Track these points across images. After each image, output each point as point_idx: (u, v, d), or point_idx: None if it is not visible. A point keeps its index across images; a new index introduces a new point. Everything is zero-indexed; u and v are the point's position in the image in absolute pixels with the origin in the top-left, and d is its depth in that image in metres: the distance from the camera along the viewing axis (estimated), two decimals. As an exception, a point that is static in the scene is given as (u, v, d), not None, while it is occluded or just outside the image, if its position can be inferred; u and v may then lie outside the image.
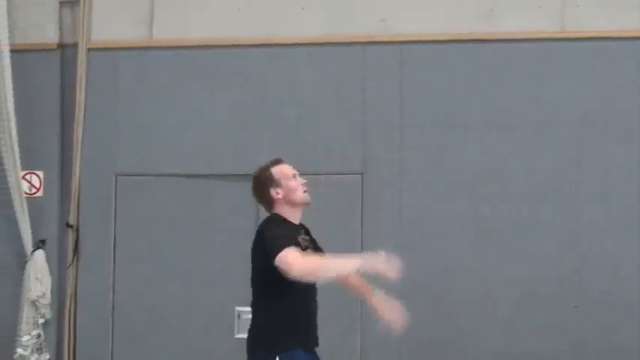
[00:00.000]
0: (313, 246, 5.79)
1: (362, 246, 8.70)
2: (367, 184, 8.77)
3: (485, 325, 8.54)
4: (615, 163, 8.52)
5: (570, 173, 8.56)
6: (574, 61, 8.62)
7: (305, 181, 5.74)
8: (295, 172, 5.74)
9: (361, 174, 8.78)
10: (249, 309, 8.71)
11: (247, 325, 8.75)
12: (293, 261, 5.23)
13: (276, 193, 5.65)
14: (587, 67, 8.60)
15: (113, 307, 9.02)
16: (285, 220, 5.65)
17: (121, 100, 9.13)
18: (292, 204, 5.68)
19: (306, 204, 5.73)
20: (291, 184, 5.67)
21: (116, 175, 9.11)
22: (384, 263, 5.30)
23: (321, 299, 8.81)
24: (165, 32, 9.11)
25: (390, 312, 5.85)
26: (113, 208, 9.06)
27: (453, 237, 8.64)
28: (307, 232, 5.83)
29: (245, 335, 8.57)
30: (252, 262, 5.63)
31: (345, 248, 8.64)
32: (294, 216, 5.70)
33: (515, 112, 8.66)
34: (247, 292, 8.84)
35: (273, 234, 5.44)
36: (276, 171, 5.68)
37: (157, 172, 9.05)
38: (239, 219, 8.87)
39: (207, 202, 8.98)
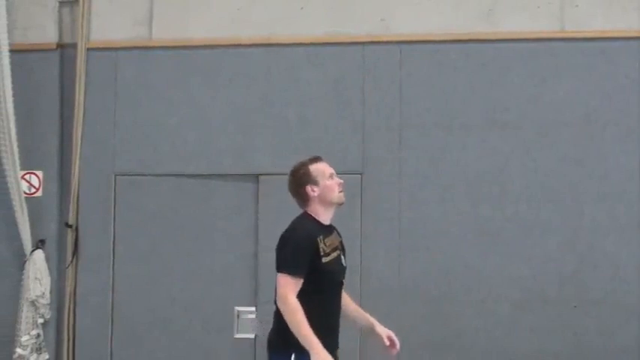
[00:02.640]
0: (342, 250, 5.86)
1: (361, 246, 8.70)
2: (367, 184, 8.76)
3: (485, 325, 8.54)
4: (615, 163, 8.52)
5: (570, 173, 8.56)
6: (574, 61, 8.62)
7: (341, 181, 5.82)
8: (332, 171, 5.82)
9: (361, 174, 8.77)
10: (248, 309, 8.77)
11: (247, 325, 8.80)
12: (285, 296, 5.47)
13: (312, 190, 5.73)
14: (587, 67, 8.59)
15: (112, 307, 9.01)
16: (314, 221, 5.73)
17: (120, 99, 9.13)
18: (327, 203, 5.77)
19: (340, 204, 5.82)
20: (328, 183, 5.75)
21: (115, 175, 9.10)
22: None
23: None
24: (165, 32, 9.10)
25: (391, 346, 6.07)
26: (112, 207, 9.05)
27: (452, 237, 8.63)
28: (338, 234, 5.89)
29: (244, 335, 8.61)
30: (276, 260, 5.71)
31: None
32: (325, 215, 5.79)
33: (515, 112, 8.66)
34: (246, 292, 8.89)
35: (289, 252, 5.57)
36: (315, 169, 5.76)
37: (157, 172, 9.04)
38: (239, 219, 8.87)
39: (207, 202, 8.97)
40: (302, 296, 5.54)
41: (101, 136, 9.13)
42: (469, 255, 8.61)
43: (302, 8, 8.97)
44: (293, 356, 5.53)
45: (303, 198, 5.75)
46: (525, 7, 8.70)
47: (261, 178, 8.79)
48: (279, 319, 5.63)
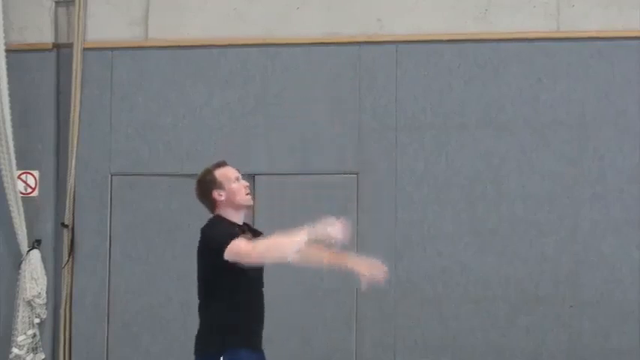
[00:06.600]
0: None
1: (357, 246, 8.69)
2: (363, 184, 8.76)
3: (482, 326, 8.53)
4: (612, 163, 8.51)
5: (567, 173, 8.56)
6: (570, 61, 8.62)
7: (247, 184, 5.81)
8: (238, 174, 5.81)
9: (356, 174, 8.77)
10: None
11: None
12: (244, 248, 5.38)
13: (219, 195, 5.72)
14: (583, 67, 8.59)
15: (108, 306, 9.01)
16: (227, 220, 5.70)
17: (116, 99, 9.12)
18: (235, 206, 5.74)
19: (248, 207, 5.81)
20: (234, 187, 5.73)
21: (111, 175, 9.10)
22: (331, 226, 5.38)
23: (316, 299, 8.81)
24: (161, 32, 9.10)
25: (370, 267, 5.75)
26: (108, 207, 9.05)
27: (449, 237, 8.63)
28: (251, 229, 5.86)
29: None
30: (198, 263, 5.67)
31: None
32: (236, 217, 5.76)
33: (512, 112, 8.66)
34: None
35: (216, 232, 5.56)
36: (220, 174, 5.76)
37: (153, 171, 9.04)
38: (235, 219, 8.86)
39: (203, 202, 8.96)
40: (225, 295, 5.52)
41: (97, 136, 9.12)
42: (465, 255, 8.60)
43: (298, 8, 8.96)
44: (222, 358, 5.48)
45: (211, 203, 5.76)
46: (521, 7, 8.70)
47: (258, 178, 8.77)
48: (205, 319, 5.61)
